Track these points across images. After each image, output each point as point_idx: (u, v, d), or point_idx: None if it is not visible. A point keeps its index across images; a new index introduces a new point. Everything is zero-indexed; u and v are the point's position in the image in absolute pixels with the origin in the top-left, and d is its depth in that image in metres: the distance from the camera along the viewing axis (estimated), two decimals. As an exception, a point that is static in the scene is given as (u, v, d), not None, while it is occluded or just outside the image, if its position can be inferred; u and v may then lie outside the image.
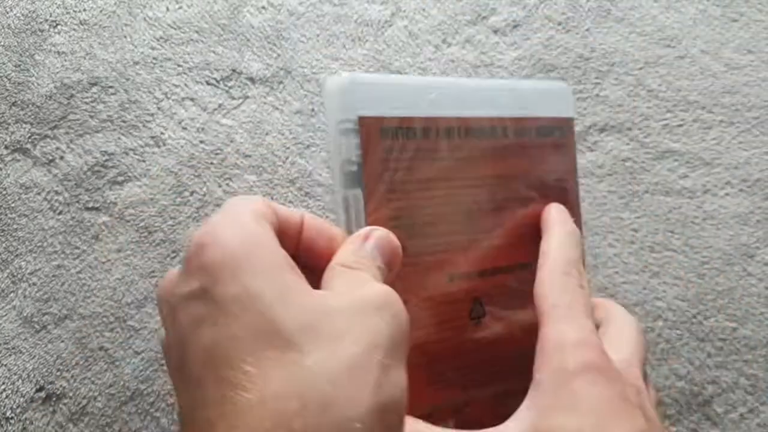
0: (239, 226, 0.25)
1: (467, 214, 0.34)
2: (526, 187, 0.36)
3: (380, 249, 0.28)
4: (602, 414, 0.26)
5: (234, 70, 0.60)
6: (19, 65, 0.61)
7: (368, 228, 0.29)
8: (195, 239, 0.25)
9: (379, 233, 0.29)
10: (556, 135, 0.39)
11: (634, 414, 0.27)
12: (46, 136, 0.59)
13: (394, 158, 0.32)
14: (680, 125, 0.58)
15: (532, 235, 0.36)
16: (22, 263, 0.55)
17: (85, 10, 0.63)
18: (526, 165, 0.37)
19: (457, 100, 0.34)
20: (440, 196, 0.33)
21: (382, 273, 0.27)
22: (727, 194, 0.56)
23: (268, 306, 0.22)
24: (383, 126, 0.31)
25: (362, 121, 0.31)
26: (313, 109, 0.59)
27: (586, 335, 0.29)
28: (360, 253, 0.28)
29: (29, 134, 0.59)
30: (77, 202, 0.56)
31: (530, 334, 0.33)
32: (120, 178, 0.57)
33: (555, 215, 0.35)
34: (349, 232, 0.30)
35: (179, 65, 0.60)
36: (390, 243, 0.29)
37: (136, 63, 0.61)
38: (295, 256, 0.27)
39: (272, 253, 0.24)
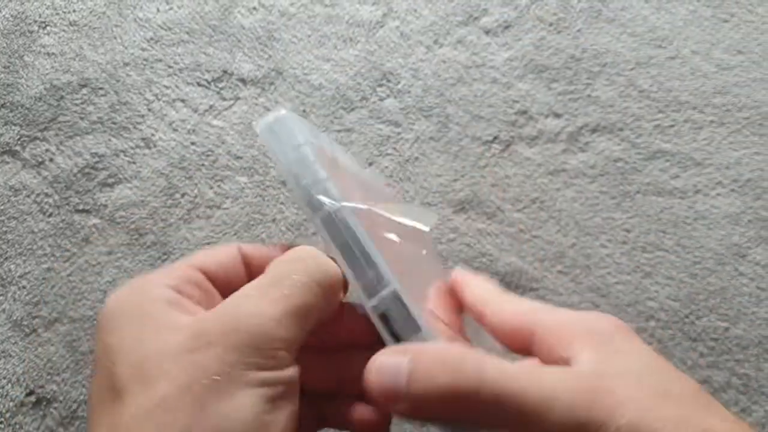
0: (128, 287, 0.26)
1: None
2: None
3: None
4: (656, 361, 0.26)
5: (225, 72, 0.60)
6: (8, 66, 0.61)
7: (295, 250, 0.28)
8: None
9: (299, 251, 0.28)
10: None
11: (678, 373, 0.26)
12: (36, 138, 0.58)
13: (342, 179, 0.32)
14: (671, 125, 0.58)
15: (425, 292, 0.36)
16: (12, 266, 0.54)
17: (74, 11, 0.62)
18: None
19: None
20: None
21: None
22: (718, 194, 0.56)
23: (114, 359, 0.23)
24: (325, 153, 0.31)
25: (313, 146, 0.31)
26: (304, 110, 0.58)
27: (584, 313, 0.29)
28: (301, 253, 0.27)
29: (18, 136, 0.58)
30: (67, 204, 0.56)
31: None
32: (110, 180, 0.57)
33: (464, 272, 0.34)
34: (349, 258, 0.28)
35: (170, 66, 0.60)
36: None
37: (127, 64, 0.60)
38: None
39: (142, 307, 0.24)
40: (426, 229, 0.32)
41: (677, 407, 0.24)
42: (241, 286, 0.27)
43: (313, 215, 0.29)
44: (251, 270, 0.29)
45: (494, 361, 0.24)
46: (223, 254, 0.28)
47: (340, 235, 0.28)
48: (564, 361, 0.26)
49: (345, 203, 0.28)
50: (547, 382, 0.24)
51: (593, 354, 0.25)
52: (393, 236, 0.30)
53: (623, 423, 0.23)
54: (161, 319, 0.24)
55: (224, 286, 0.28)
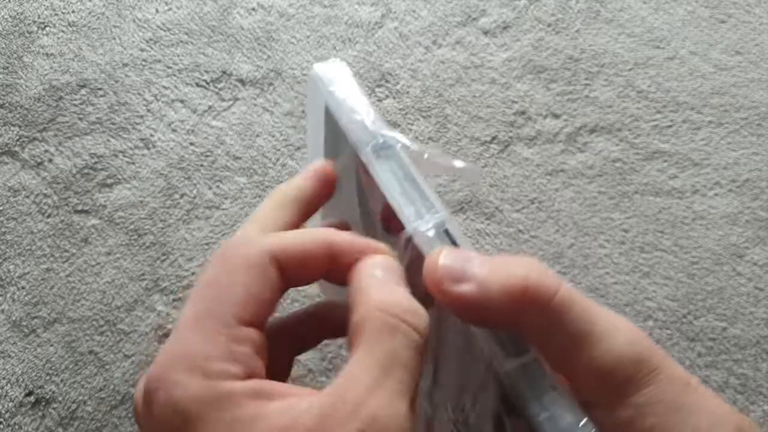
0: (191, 377, 0.22)
1: None
2: None
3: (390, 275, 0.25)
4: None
5: (224, 72, 0.60)
6: (7, 67, 0.61)
7: (369, 257, 0.25)
8: (145, 386, 0.22)
9: (381, 258, 0.25)
10: None
11: None
12: (35, 139, 0.58)
13: None
14: (669, 126, 0.58)
15: None
16: (11, 267, 0.54)
17: (73, 11, 0.63)
18: None
19: None
20: None
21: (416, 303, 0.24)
22: (716, 194, 0.56)
23: None
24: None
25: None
26: (303, 111, 0.59)
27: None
28: (389, 285, 0.24)
29: (17, 137, 0.58)
30: (66, 204, 0.56)
31: None
32: (109, 181, 0.57)
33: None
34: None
35: (169, 67, 0.60)
36: (394, 266, 0.25)
37: (126, 65, 0.60)
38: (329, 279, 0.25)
39: (232, 413, 0.21)
40: (479, 168, 0.32)
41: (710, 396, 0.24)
42: (276, 304, 0.25)
43: (363, 148, 0.28)
44: (287, 273, 0.25)
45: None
46: (259, 283, 0.24)
47: (391, 165, 0.27)
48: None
49: (398, 135, 0.28)
50: (613, 316, 0.23)
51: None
52: (466, 165, 0.30)
53: (677, 374, 0.23)
54: (263, 424, 0.21)
55: (263, 322, 0.24)
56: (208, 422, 0.21)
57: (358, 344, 0.22)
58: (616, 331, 0.23)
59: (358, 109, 0.29)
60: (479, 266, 0.23)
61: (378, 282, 0.24)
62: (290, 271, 0.25)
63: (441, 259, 0.23)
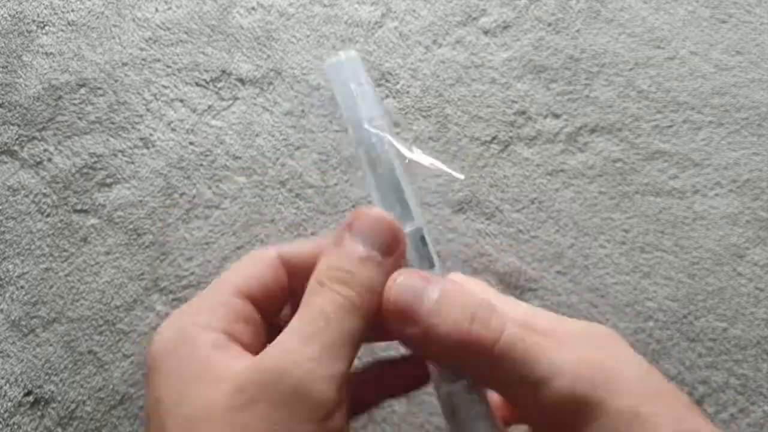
0: (172, 328, 0.24)
1: None
2: None
3: (367, 236, 0.25)
4: (647, 363, 0.27)
5: (223, 71, 0.60)
6: (6, 66, 0.60)
7: (354, 213, 0.25)
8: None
9: (365, 218, 0.25)
10: None
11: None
12: (34, 138, 0.58)
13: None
14: (670, 126, 0.58)
15: None
16: (10, 266, 0.54)
17: (73, 10, 0.62)
18: None
19: None
20: None
21: (377, 264, 0.24)
22: (716, 195, 0.56)
23: (163, 415, 0.22)
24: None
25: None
26: (303, 110, 0.58)
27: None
28: (339, 254, 0.24)
29: (17, 136, 0.58)
30: (65, 204, 0.56)
31: None
32: (109, 180, 0.57)
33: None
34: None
35: (168, 66, 0.60)
36: (379, 224, 0.25)
37: (125, 64, 0.60)
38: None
39: (189, 356, 0.23)
40: (461, 176, 0.32)
41: (673, 406, 0.24)
42: (284, 301, 0.27)
43: (359, 146, 0.29)
44: (295, 274, 0.27)
45: (515, 321, 0.24)
46: (264, 270, 0.26)
47: (379, 166, 0.28)
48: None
49: (392, 138, 0.29)
50: (558, 354, 0.23)
51: (592, 350, 0.25)
52: (453, 172, 0.31)
53: (624, 406, 0.23)
54: (207, 370, 0.23)
55: (267, 306, 0.26)
56: (168, 363, 0.23)
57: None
58: (560, 371, 0.23)
59: (361, 104, 0.29)
60: (428, 302, 0.24)
61: (325, 255, 0.25)
62: (297, 267, 0.27)
63: (393, 291, 0.24)
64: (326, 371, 0.22)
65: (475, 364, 0.24)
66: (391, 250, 0.25)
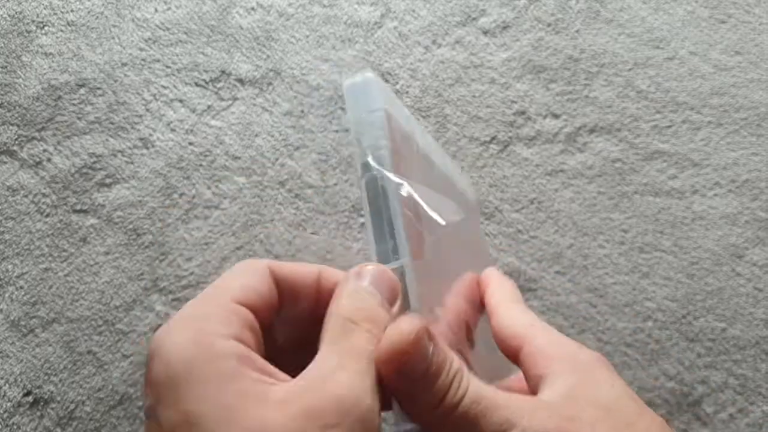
0: (186, 335, 0.24)
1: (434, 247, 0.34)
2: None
3: (377, 285, 0.26)
4: (630, 394, 0.27)
5: (223, 72, 0.60)
6: (6, 66, 0.60)
7: (359, 266, 0.27)
8: (149, 347, 0.24)
9: (372, 268, 0.27)
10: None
11: (647, 410, 0.28)
12: (33, 138, 0.58)
13: (404, 153, 0.32)
14: (669, 126, 0.58)
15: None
16: (9, 266, 0.54)
17: (72, 11, 0.62)
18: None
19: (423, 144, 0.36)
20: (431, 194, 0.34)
21: (387, 311, 0.26)
22: (715, 195, 0.56)
23: None
24: (394, 125, 0.32)
25: (388, 112, 0.31)
26: (302, 111, 0.58)
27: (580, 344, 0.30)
28: (359, 294, 0.26)
29: (16, 136, 0.58)
30: (65, 204, 0.56)
31: None
32: (108, 180, 0.57)
33: (495, 271, 0.36)
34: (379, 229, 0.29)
35: (168, 66, 0.60)
36: (386, 276, 0.27)
37: (125, 64, 0.60)
38: (315, 311, 0.27)
39: (217, 367, 0.23)
40: (441, 222, 0.32)
41: None
42: (274, 313, 0.27)
43: (361, 176, 0.29)
44: (281, 290, 0.28)
45: (470, 379, 0.26)
46: (258, 280, 0.27)
47: (375, 200, 0.29)
48: (539, 378, 0.28)
49: (390, 174, 0.29)
50: (511, 408, 0.25)
51: (569, 379, 0.27)
52: (438, 217, 0.31)
53: None
54: (244, 388, 0.22)
55: (262, 315, 0.27)
56: (194, 374, 0.22)
57: (322, 344, 0.25)
58: (509, 428, 0.25)
59: (367, 133, 0.30)
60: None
61: (348, 290, 0.26)
62: (285, 284, 0.28)
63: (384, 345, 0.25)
64: (377, 405, 0.23)
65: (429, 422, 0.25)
66: (394, 299, 0.27)
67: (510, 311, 0.32)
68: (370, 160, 0.29)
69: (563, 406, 0.26)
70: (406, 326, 0.25)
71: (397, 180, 0.29)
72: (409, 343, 0.25)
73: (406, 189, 0.29)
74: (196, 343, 0.23)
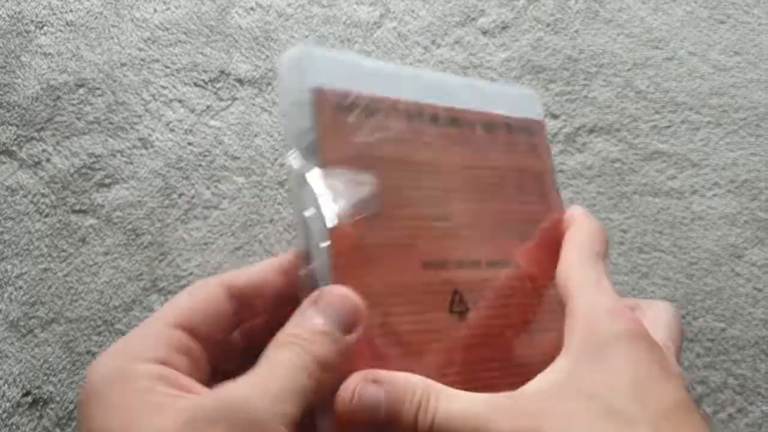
0: (109, 364, 0.25)
1: (438, 201, 0.32)
2: (502, 182, 0.35)
3: (330, 312, 0.27)
4: (641, 376, 0.26)
5: (222, 72, 0.60)
6: (5, 67, 0.60)
7: (316, 293, 0.27)
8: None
9: (329, 296, 0.27)
10: (526, 136, 0.37)
11: (674, 383, 0.26)
12: (33, 138, 0.58)
13: (352, 133, 0.30)
14: (668, 126, 0.58)
15: (513, 232, 0.34)
16: (8, 266, 0.54)
17: (71, 11, 0.62)
18: (499, 160, 0.35)
19: (421, 87, 0.33)
20: (408, 179, 0.31)
21: (334, 339, 0.26)
22: (714, 195, 0.56)
23: None
24: (339, 101, 0.30)
25: (320, 92, 0.29)
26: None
27: (621, 306, 0.28)
28: (299, 322, 0.26)
29: (15, 136, 0.58)
30: (64, 204, 0.56)
31: (519, 337, 0.32)
32: (107, 181, 0.56)
33: (580, 212, 0.35)
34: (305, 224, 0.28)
35: (167, 67, 0.60)
36: (344, 302, 0.27)
37: (124, 64, 0.60)
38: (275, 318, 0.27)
39: (131, 387, 0.24)
40: (329, 224, 0.29)
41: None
42: (231, 327, 0.28)
43: (290, 174, 0.29)
44: (243, 300, 0.29)
45: (439, 398, 0.26)
46: (202, 301, 0.28)
47: (300, 197, 0.28)
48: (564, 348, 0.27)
49: (319, 169, 0.28)
50: (480, 415, 0.25)
51: (572, 359, 0.27)
52: (330, 217, 0.29)
53: None
54: (150, 401, 0.23)
55: (209, 335, 0.27)
56: (108, 396, 0.23)
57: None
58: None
59: (296, 119, 0.29)
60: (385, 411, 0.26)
61: (296, 314, 0.27)
62: (244, 295, 0.28)
63: (353, 402, 0.26)
64: (281, 410, 0.23)
65: None
66: (349, 328, 0.27)
67: (570, 260, 0.31)
68: (291, 153, 0.29)
69: (540, 398, 0.26)
70: (343, 390, 0.26)
71: (333, 171, 0.29)
72: (351, 407, 0.25)
73: (319, 183, 0.29)
74: (116, 369, 0.24)
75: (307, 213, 0.28)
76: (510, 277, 0.33)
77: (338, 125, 0.30)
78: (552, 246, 0.33)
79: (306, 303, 0.27)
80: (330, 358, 0.26)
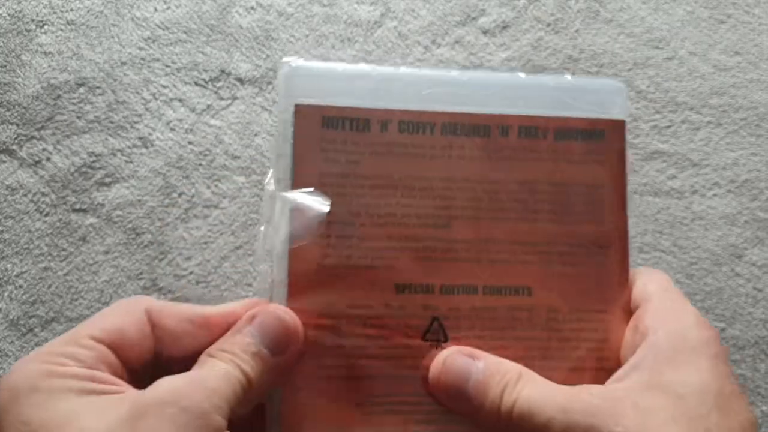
0: (33, 364, 0.25)
1: (433, 219, 0.30)
2: (531, 197, 0.31)
3: (262, 332, 0.27)
4: (725, 389, 0.25)
5: (223, 71, 0.60)
6: (5, 66, 0.60)
7: (255, 310, 0.28)
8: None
9: (265, 316, 0.27)
10: (586, 139, 0.31)
11: (746, 401, 0.26)
12: (33, 137, 0.58)
13: (335, 150, 0.29)
14: (668, 126, 0.58)
15: (532, 256, 0.31)
16: (8, 265, 0.54)
17: (72, 10, 0.62)
18: (532, 171, 0.31)
19: (422, 92, 0.30)
20: (394, 196, 0.30)
21: (262, 358, 0.26)
22: (715, 195, 0.56)
23: None
24: (325, 116, 0.29)
25: (299, 109, 0.29)
26: (302, 110, 0.58)
27: (704, 319, 0.28)
28: (231, 339, 0.27)
29: (15, 135, 0.58)
30: (64, 203, 0.56)
31: None
32: (107, 180, 0.57)
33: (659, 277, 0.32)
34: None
35: (167, 66, 0.60)
36: (277, 324, 0.27)
37: (124, 63, 0.60)
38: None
39: (60, 383, 0.24)
40: (284, 246, 0.30)
41: None
42: (146, 352, 0.27)
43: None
44: (161, 331, 0.28)
45: (526, 383, 0.27)
46: (126, 319, 0.27)
47: (267, 216, 0.29)
48: (636, 346, 0.27)
49: (291, 189, 0.29)
50: (561, 403, 0.25)
51: (658, 360, 0.26)
52: (281, 239, 0.29)
53: None
54: (83, 400, 0.23)
55: (127, 354, 0.27)
56: (33, 394, 0.23)
57: None
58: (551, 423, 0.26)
59: (280, 141, 0.29)
60: (473, 383, 0.27)
61: (231, 331, 0.28)
62: (164, 329, 0.28)
63: (441, 372, 0.28)
64: (219, 401, 0.23)
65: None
66: (281, 350, 0.27)
67: (647, 282, 0.30)
68: (269, 175, 0.29)
69: (621, 393, 0.25)
70: (440, 357, 0.27)
71: (298, 195, 0.29)
72: (440, 372, 0.27)
73: (287, 202, 0.29)
74: (42, 370, 0.24)
75: (270, 231, 0.29)
76: (514, 306, 0.30)
77: (320, 143, 0.29)
78: (594, 276, 0.30)
79: (243, 320, 0.27)
80: (258, 378, 0.26)
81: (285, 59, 0.30)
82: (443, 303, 0.30)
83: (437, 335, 0.30)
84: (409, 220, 0.30)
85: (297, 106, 0.29)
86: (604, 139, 0.31)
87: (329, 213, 0.29)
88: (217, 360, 0.26)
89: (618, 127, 0.31)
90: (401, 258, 0.30)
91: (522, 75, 0.32)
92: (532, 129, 0.31)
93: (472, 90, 0.31)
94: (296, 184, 0.29)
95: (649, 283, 0.30)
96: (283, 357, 0.27)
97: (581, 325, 0.30)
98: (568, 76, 0.32)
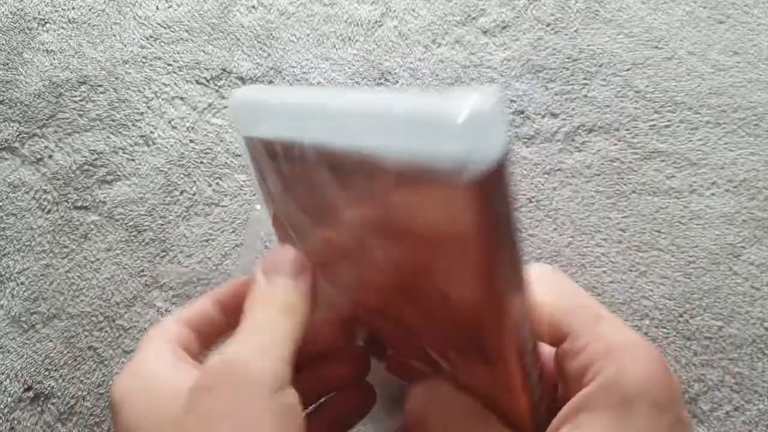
0: (131, 368, 0.27)
1: (345, 270, 0.29)
2: (413, 255, 0.23)
3: (277, 267, 0.28)
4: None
5: (224, 70, 0.60)
6: (7, 63, 0.61)
7: (264, 257, 0.29)
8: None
9: (272, 255, 0.29)
10: (445, 182, 0.18)
11: None
12: (35, 135, 0.58)
13: (280, 187, 0.28)
14: (667, 126, 0.59)
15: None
16: (10, 262, 0.55)
17: (74, 8, 0.63)
18: (403, 222, 0.21)
19: (324, 124, 0.22)
20: (316, 243, 0.29)
21: (290, 285, 0.27)
22: (713, 194, 0.56)
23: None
24: (268, 148, 0.26)
25: (248, 143, 0.28)
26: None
27: (638, 337, 0.27)
28: (256, 289, 0.28)
29: (17, 133, 0.58)
30: (66, 201, 0.56)
31: None
32: (109, 177, 0.57)
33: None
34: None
35: (169, 64, 0.60)
36: (284, 255, 0.29)
37: (126, 62, 0.60)
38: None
39: (146, 392, 0.25)
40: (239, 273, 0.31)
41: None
42: (220, 335, 0.30)
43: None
44: (228, 315, 0.30)
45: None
46: (201, 315, 0.30)
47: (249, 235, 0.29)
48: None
49: (259, 211, 0.29)
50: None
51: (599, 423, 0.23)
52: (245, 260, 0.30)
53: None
54: (166, 386, 0.25)
55: (207, 339, 0.30)
56: (127, 400, 0.25)
57: None
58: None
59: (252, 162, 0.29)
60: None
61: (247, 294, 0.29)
62: (200, 331, 0.30)
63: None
64: (273, 353, 0.24)
65: None
66: (299, 271, 0.28)
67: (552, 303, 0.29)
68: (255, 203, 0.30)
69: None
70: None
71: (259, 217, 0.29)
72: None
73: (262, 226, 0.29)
74: (131, 374, 0.27)
75: (243, 250, 0.30)
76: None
77: (271, 176, 0.28)
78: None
79: (258, 273, 0.29)
80: (293, 300, 0.27)
81: (235, 90, 0.29)
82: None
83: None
84: (333, 260, 0.29)
85: (247, 139, 0.28)
86: (461, 179, 0.19)
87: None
88: (253, 312, 0.27)
89: (497, 164, 0.19)
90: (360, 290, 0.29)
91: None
92: (396, 171, 0.21)
93: (352, 120, 0.22)
94: (273, 219, 0.30)
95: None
96: (303, 276, 0.28)
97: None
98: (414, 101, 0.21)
